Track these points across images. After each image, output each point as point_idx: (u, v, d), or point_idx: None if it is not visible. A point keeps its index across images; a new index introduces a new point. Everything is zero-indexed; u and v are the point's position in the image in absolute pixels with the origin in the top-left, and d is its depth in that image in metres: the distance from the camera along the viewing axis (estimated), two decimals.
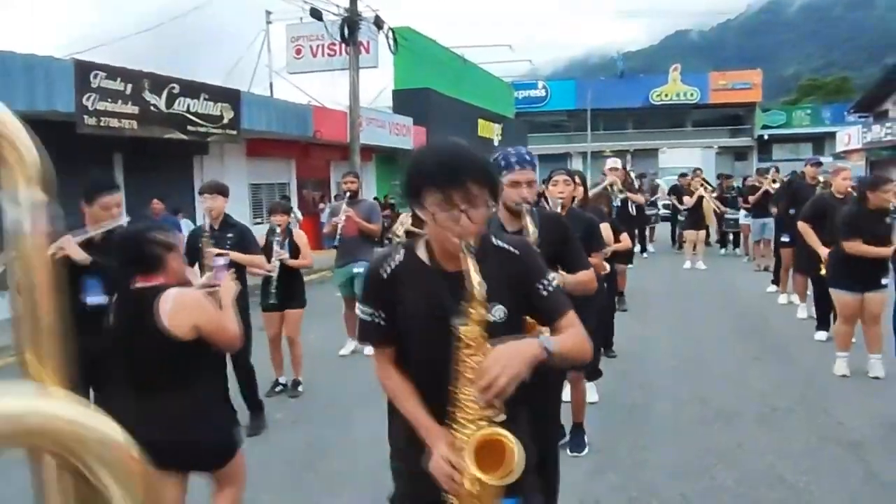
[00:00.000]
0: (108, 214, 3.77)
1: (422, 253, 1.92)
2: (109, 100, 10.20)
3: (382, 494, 4.12)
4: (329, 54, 18.88)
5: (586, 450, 4.56)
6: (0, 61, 8.69)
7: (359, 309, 2.01)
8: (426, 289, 1.86)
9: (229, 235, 5.12)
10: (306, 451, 4.92)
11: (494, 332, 1.77)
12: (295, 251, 5.96)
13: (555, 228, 3.12)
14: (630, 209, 11.81)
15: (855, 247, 5.74)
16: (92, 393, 3.37)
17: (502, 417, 1.74)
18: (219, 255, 4.42)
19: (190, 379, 2.82)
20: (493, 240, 1.95)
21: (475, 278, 1.71)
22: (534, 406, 2.08)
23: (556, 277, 1.99)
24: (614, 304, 7.37)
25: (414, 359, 1.94)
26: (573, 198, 4.32)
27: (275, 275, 5.80)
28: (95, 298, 3.60)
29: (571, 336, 1.90)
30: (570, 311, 1.93)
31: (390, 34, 16.81)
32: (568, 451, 4.46)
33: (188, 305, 2.78)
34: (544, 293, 1.91)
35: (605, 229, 5.28)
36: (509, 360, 1.66)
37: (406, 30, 21.05)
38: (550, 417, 3.38)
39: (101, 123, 10.13)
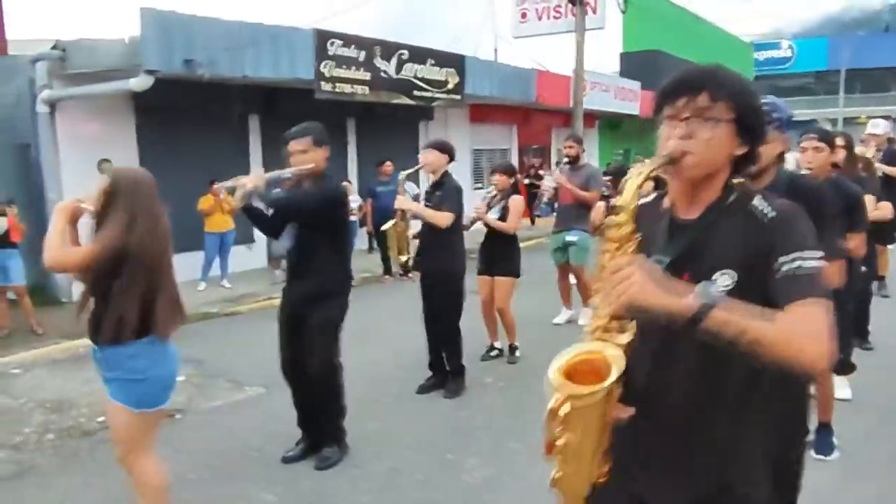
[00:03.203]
0: (291, 161, 3.91)
1: (670, 198, 1.65)
2: (344, 66, 10.74)
3: None
4: (554, 16, 18.42)
5: (836, 453, 3.94)
6: (249, 32, 9.44)
7: None
8: (648, 233, 1.56)
9: (437, 193, 5.13)
10: (513, 419, 4.79)
11: None
12: (505, 214, 5.68)
13: (804, 202, 2.53)
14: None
15: None
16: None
17: (626, 338, 1.45)
18: None
19: None
20: (757, 199, 1.55)
21: (635, 179, 1.48)
22: (771, 401, 1.69)
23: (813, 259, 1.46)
24: (871, 289, 6.37)
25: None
26: (833, 164, 3.63)
27: (469, 231, 5.58)
28: (286, 243, 4.00)
29: (782, 320, 1.35)
30: (812, 300, 1.39)
31: None
32: (813, 452, 3.87)
33: None
34: (784, 269, 1.43)
35: (869, 202, 4.42)
36: (645, 277, 1.36)
37: None
38: (792, 414, 2.84)
39: (336, 89, 10.70)
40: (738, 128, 1.49)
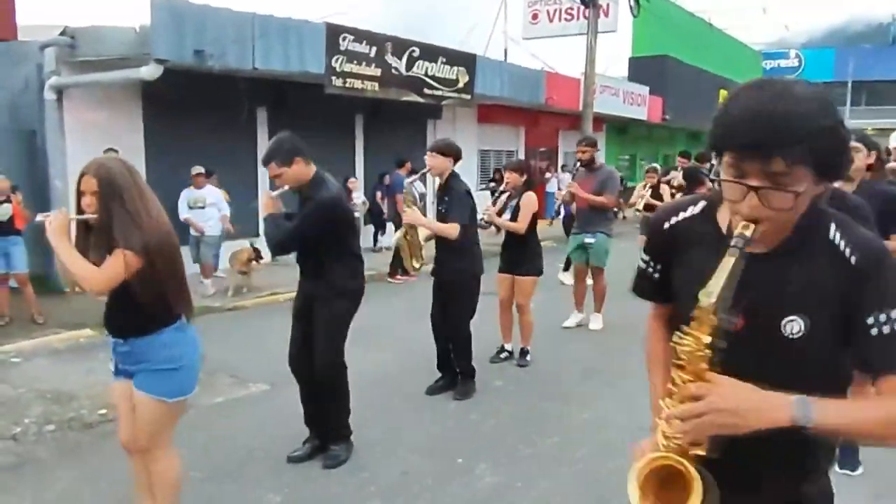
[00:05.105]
0: (278, 182, 3.83)
1: (722, 216, 1.45)
2: (355, 62, 10.64)
3: (599, 482, 3.82)
4: (566, 19, 18.35)
5: (860, 469, 3.84)
6: (261, 24, 9.34)
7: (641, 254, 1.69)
8: (706, 260, 1.38)
9: (445, 198, 4.99)
10: (523, 423, 4.70)
11: (786, 349, 1.32)
12: (517, 213, 5.63)
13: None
14: None
15: None
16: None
17: (700, 452, 1.31)
18: None
19: None
20: (833, 230, 1.35)
21: (715, 282, 1.24)
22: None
23: None
24: None
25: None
26: (868, 167, 3.55)
27: (496, 231, 5.67)
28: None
29: (872, 408, 1.29)
30: None
31: None
32: (837, 467, 3.76)
33: None
34: (873, 332, 1.28)
35: None
36: (730, 408, 1.23)
37: None
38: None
39: (346, 85, 10.60)
40: (818, 173, 1.25)
